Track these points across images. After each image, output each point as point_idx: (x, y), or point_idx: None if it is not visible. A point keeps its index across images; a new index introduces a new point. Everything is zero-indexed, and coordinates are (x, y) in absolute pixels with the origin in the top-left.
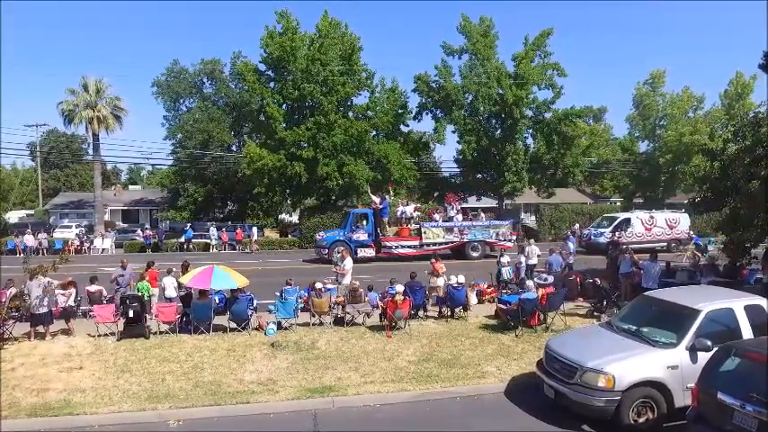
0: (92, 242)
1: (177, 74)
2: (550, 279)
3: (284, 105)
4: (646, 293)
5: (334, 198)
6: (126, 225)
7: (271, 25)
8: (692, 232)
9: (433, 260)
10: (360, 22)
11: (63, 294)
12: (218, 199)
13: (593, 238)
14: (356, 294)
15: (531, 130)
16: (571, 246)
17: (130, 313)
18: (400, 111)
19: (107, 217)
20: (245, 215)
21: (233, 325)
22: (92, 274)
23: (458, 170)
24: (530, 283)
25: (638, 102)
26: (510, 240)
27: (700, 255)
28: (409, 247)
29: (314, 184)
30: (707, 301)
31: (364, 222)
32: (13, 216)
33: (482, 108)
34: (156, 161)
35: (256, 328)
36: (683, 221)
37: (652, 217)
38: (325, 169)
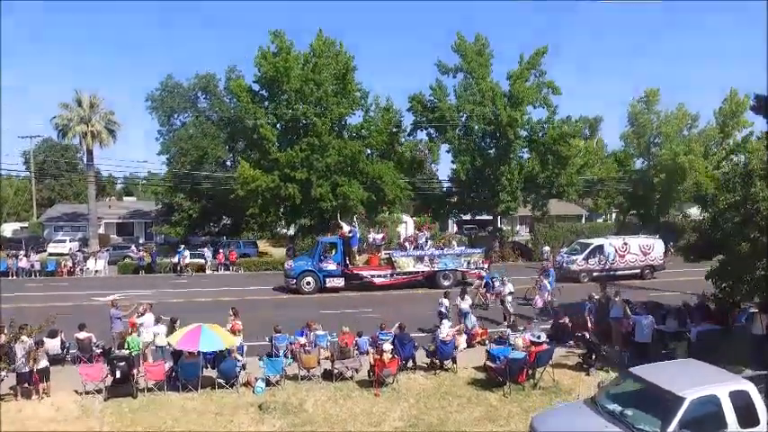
0: (86, 260)
1: (171, 88)
2: (543, 336)
3: (278, 124)
4: (631, 370)
5: (328, 218)
6: (120, 238)
7: (264, 45)
8: (484, 269)
9: (231, 314)
10: (355, 38)
11: (46, 352)
12: (212, 213)
13: (565, 264)
14: (345, 350)
15: (525, 149)
16: (548, 284)
17: (118, 374)
18: (395, 130)
19: (101, 230)
20: (241, 229)
21: (221, 380)
22: (82, 317)
23: (452, 188)
24: (518, 341)
25: (632, 119)
26: (482, 269)
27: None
28: (379, 276)
29: (308, 205)
30: (691, 387)
31: (333, 252)
32: (7, 229)
33: (476, 127)
34: (150, 168)
35: (245, 384)
36: (657, 247)
37: (626, 243)
38: (319, 190)
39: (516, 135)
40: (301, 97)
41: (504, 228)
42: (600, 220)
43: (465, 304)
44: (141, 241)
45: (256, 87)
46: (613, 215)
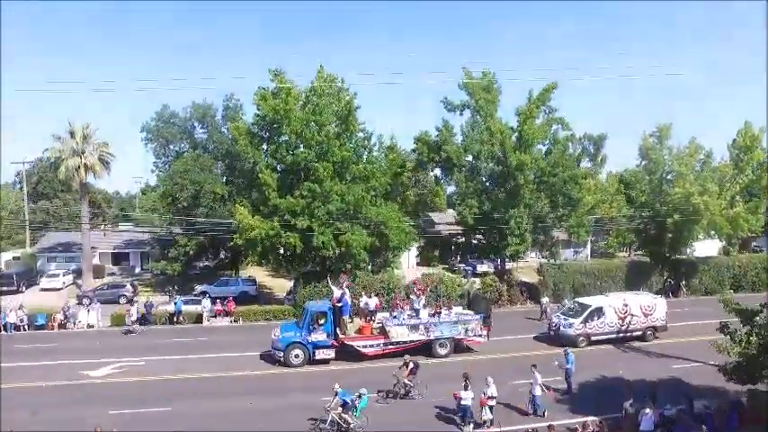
0: (81, 301)
1: (167, 118)
2: None
3: (278, 165)
4: None
5: (329, 266)
6: (116, 268)
7: (264, 82)
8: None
9: None
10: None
11: None
12: (210, 247)
13: (562, 328)
14: None
15: (533, 187)
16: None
17: None
18: (399, 170)
19: (96, 260)
20: (240, 261)
21: None
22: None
23: (459, 232)
24: None
25: (643, 153)
26: (481, 336)
27: None
28: (371, 346)
29: (309, 253)
30: None
31: (323, 321)
32: (1, 259)
33: (484, 166)
34: (147, 181)
35: None
36: (659, 308)
37: (626, 305)
38: (321, 238)
39: (526, 179)
40: (302, 140)
41: (511, 266)
42: (611, 261)
43: (468, 395)
44: (137, 271)
45: (255, 128)
46: (623, 254)
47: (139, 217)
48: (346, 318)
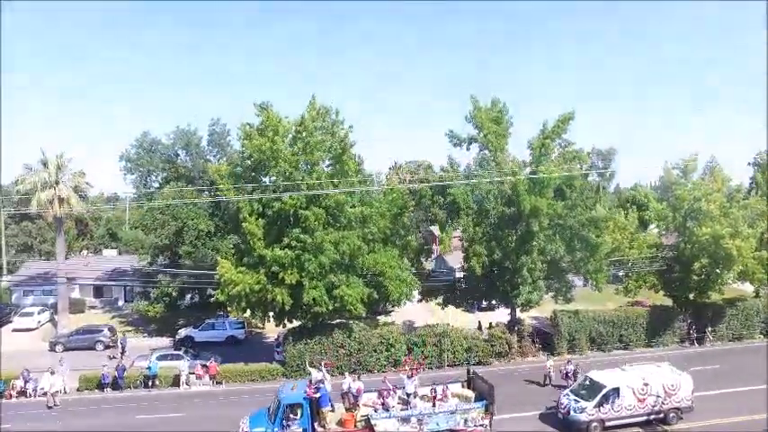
0: (51, 350)
1: (148, 146)
2: None
3: (264, 209)
4: None
5: (322, 320)
6: (98, 301)
7: (250, 112)
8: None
9: None
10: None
11: None
12: (195, 288)
13: (572, 412)
14: None
15: (549, 232)
16: None
17: None
18: (400, 211)
19: (76, 293)
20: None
21: None
22: None
23: (466, 281)
24: None
25: (665, 186)
26: (483, 426)
27: None
28: None
29: (299, 309)
30: None
31: (298, 413)
32: None
33: (492, 207)
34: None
35: None
36: (684, 386)
37: (646, 384)
38: (313, 294)
39: (541, 225)
40: (291, 186)
41: (523, 315)
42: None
43: None
44: (120, 304)
45: (239, 169)
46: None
47: (127, 234)
48: (326, 409)
